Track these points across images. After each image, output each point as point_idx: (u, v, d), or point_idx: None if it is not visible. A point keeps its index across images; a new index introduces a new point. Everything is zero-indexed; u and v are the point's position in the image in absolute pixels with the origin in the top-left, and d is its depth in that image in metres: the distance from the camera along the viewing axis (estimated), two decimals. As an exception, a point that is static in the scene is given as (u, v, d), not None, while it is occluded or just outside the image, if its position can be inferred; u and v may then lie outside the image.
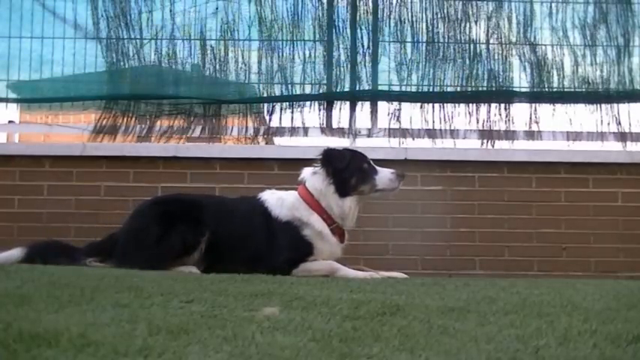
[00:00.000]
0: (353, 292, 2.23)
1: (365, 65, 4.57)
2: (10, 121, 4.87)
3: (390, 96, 4.61)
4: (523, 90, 4.61)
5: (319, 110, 4.60)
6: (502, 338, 1.49)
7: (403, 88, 4.62)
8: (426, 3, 4.60)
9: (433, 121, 4.56)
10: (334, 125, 4.58)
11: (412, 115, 4.57)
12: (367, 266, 3.48)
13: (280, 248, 3.21)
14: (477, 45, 4.60)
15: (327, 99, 4.59)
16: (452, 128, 4.55)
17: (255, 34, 4.65)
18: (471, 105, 4.57)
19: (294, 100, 4.59)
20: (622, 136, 4.54)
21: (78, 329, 1.34)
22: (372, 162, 3.37)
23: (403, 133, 4.53)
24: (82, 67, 4.63)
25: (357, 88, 4.58)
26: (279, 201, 3.32)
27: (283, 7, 4.61)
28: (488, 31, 4.61)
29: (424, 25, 4.60)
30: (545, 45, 4.60)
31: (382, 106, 4.61)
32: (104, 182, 4.29)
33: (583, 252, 4.26)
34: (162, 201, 3.58)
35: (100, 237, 3.49)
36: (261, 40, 4.65)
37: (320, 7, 4.63)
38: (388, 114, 4.59)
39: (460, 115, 4.56)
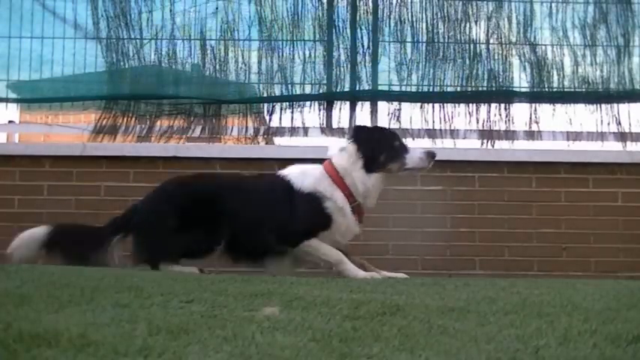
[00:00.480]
0: (353, 292, 2.22)
1: (365, 65, 4.57)
2: (10, 121, 4.86)
3: (390, 96, 4.61)
4: (523, 90, 4.61)
5: (319, 110, 4.60)
6: (502, 338, 1.48)
7: (403, 88, 4.62)
8: (426, 3, 4.60)
9: (433, 121, 4.56)
10: (334, 125, 4.58)
11: (412, 115, 4.57)
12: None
13: (299, 217, 3.18)
14: (477, 45, 4.60)
15: (327, 99, 4.59)
16: (452, 128, 4.55)
17: (255, 34, 4.65)
18: (471, 105, 4.57)
19: (294, 100, 4.59)
20: (622, 136, 4.54)
21: (78, 329, 1.33)
22: (403, 140, 3.37)
23: (403, 133, 4.53)
24: (82, 67, 4.63)
25: (357, 88, 4.57)
26: (303, 174, 3.29)
27: (283, 7, 4.61)
28: (488, 31, 4.61)
29: (424, 25, 4.60)
30: (545, 45, 4.61)
31: (382, 106, 4.61)
32: (104, 182, 4.28)
33: (583, 252, 4.26)
34: (187, 184, 3.46)
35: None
36: (261, 40, 4.65)
37: (320, 7, 4.63)
38: (388, 114, 4.59)
39: (460, 115, 4.57)
